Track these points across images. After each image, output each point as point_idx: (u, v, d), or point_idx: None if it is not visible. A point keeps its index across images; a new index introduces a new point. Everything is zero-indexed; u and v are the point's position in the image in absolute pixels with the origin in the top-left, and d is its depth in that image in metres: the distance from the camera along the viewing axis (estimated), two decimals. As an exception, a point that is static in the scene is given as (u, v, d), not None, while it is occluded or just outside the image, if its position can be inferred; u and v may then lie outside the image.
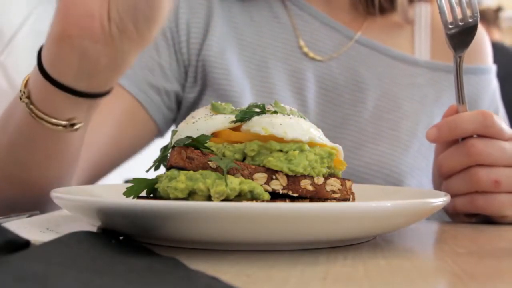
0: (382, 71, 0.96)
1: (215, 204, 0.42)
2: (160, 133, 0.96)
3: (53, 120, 0.60)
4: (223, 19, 0.95)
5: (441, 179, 0.72)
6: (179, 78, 0.94)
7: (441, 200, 0.51)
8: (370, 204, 0.45)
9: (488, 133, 0.67)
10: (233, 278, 0.36)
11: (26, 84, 0.61)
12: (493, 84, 1.02)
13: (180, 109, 0.96)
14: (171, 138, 0.57)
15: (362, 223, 0.46)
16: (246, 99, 0.89)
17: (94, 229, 0.49)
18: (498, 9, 3.54)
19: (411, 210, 0.48)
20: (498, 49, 3.03)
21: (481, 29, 1.03)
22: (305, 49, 0.95)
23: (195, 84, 0.94)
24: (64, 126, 0.61)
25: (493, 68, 1.03)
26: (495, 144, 0.67)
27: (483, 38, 1.03)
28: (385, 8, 0.98)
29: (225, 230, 0.44)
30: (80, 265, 0.35)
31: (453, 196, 0.67)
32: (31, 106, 0.60)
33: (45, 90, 0.58)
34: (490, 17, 3.39)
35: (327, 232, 0.46)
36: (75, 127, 0.61)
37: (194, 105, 0.94)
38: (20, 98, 0.60)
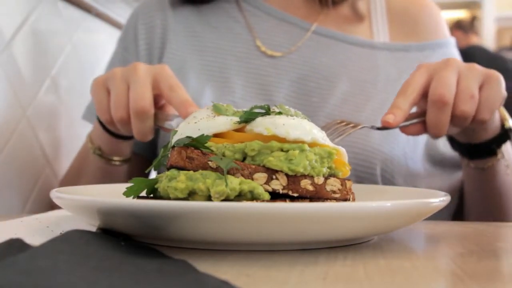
0: (343, 58, 0.97)
1: (215, 204, 0.42)
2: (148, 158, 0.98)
3: (116, 158, 0.89)
4: (181, 31, 0.99)
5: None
6: None
7: (440, 200, 0.51)
8: (370, 204, 0.45)
9: (437, 70, 0.72)
10: (233, 278, 0.36)
11: (91, 141, 0.89)
12: (455, 56, 1.03)
13: None
14: (171, 138, 0.56)
15: (362, 223, 0.46)
16: (206, 102, 0.92)
17: (94, 229, 0.49)
18: (473, 19, 4.15)
19: (411, 210, 0.48)
20: (478, 50, 3.26)
21: (433, 5, 1.06)
22: (263, 49, 0.97)
23: None
24: (123, 161, 0.90)
25: (451, 41, 1.04)
26: (450, 76, 0.71)
27: (437, 14, 1.05)
28: (337, 0, 1.01)
29: (225, 230, 0.44)
30: (87, 265, 0.35)
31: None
32: (104, 155, 0.88)
33: (111, 142, 0.87)
34: (467, 26, 3.80)
35: (327, 232, 0.46)
36: (126, 159, 0.91)
37: None
38: (94, 152, 0.88)
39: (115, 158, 0.89)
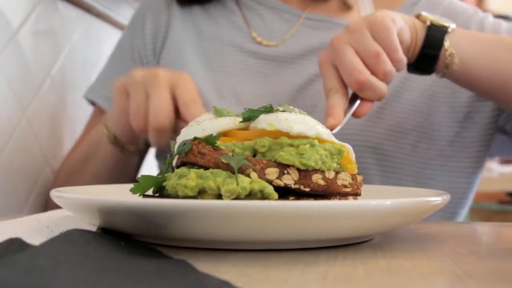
0: None
1: (219, 202, 0.42)
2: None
3: (131, 147, 0.91)
4: (183, 21, 1.03)
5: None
6: None
7: (440, 198, 0.51)
8: (370, 202, 0.45)
9: (335, 58, 0.72)
10: (233, 278, 0.36)
11: (106, 129, 0.89)
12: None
13: None
14: (172, 147, 0.56)
15: (362, 221, 0.46)
16: (204, 86, 0.94)
17: (94, 229, 0.49)
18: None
19: (410, 208, 0.48)
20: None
21: None
22: (258, 39, 1.01)
23: None
24: (137, 150, 0.92)
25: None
26: (347, 56, 0.71)
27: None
28: None
29: (227, 228, 0.44)
30: (88, 265, 0.35)
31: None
32: (118, 142, 0.90)
33: (127, 133, 0.87)
34: None
35: (328, 230, 0.46)
36: (139, 149, 0.93)
37: None
38: (108, 140, 0.89)
39: (129, 147, 0.91)
